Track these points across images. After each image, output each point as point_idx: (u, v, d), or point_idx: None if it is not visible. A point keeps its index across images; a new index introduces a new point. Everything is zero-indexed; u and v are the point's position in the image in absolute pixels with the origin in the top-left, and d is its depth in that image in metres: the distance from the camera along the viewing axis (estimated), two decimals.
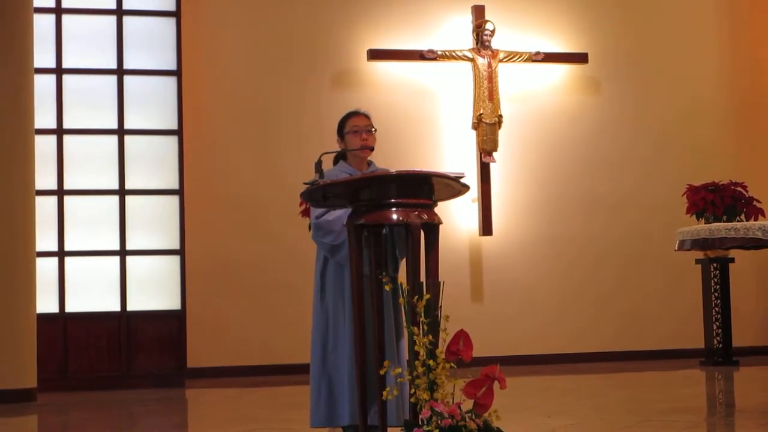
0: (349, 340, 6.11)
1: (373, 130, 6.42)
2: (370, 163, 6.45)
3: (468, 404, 5.40)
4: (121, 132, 11.60)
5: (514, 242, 12.94)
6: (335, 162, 6.51)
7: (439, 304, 5.53)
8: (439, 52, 12.67)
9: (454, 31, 12.91)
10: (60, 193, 11.41)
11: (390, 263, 6.13)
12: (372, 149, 6.37)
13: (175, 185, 11.66)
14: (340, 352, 6.21)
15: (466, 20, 12.94)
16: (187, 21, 12.03)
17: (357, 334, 5.82)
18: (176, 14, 11.83)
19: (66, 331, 11.31)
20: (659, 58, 13.52)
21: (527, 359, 12.63)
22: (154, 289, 11.56)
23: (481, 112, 12.64)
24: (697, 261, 12.29)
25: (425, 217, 5.73)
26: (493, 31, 12.78)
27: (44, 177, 11.18)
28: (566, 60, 13.14)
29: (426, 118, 12.83)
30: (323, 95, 12.53)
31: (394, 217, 5.69)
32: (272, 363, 12.12)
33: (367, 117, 6.45)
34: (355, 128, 6.39)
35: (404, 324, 5.68)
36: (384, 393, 5.53)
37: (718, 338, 12.09)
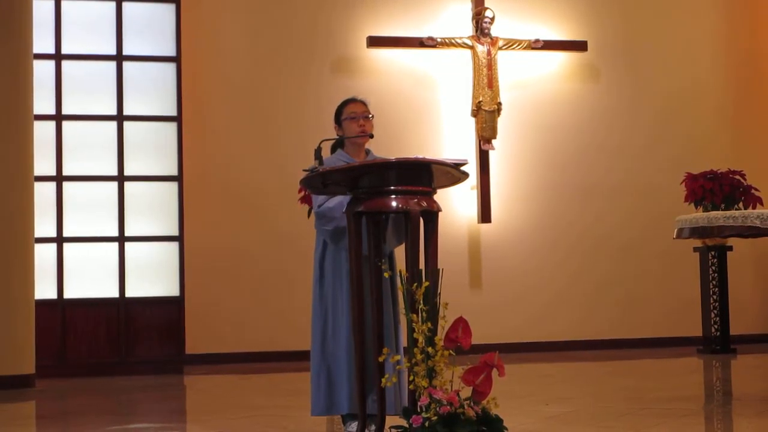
0: (348, 328, 6.12)
1: (371, 116, 6.42)
2: (368, 152, 6.46)
3: (467, 391, 5.41)
4: (120, 118, 11.61)
5: (512, 230, 12.95)
6: (333, 150, 6.51)
7: (438, 291, 5.54)
8: (439, 40, 12.66)
9: (453, 18, 12.90)
10: (59, 179, 11.42)
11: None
12: (371, 136, 6.37)
13: (174, 172, 11.66)
14: (339, 340, 6.22)
15: (466, 7, 12.92)
16: (186, 7, 12.02)
17: (356, 322, 5.82)
18: (176, 0, 11.82)
19: (64, 317, 11.32)
20: (658, 46, 13.52)
21: (526, 346, 12.64)
22: (153, 275, 11.58)
23: (481, 99, 12.64)
24: (695, 249, 12.30)
25: (425, 204, 5.73)
26: (492, 19, 12.78)
27: (43, 163, 11.19)
28: (565, 48, 13.13)
29: (425, 106, 12.83)
30: (323, 82, 12.52)
31: (394, 204, 5.69)
32: (270, 350, 12.12)
33: (364, 104, 6.46)
34: (353, 115, 6.39)
35: (401, 312, 5.69)
36: (383, 380, 5.53)
37: (716, 326, 12.10)
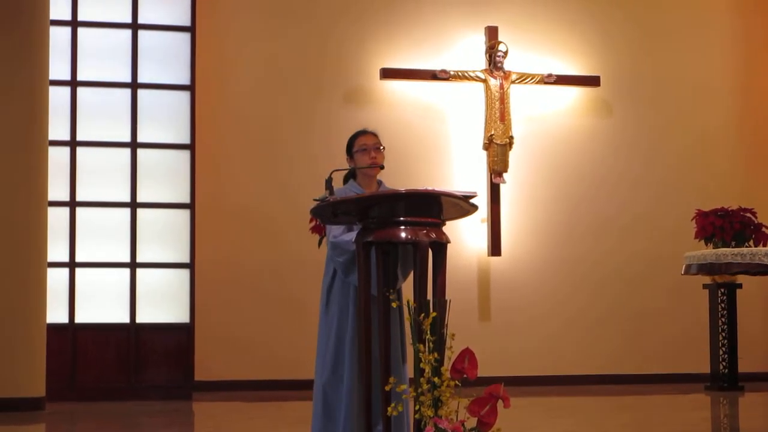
0: (351, 357, 6.15)
1: (382, 147, 6.47)
2: (380, 183, 6.50)
3: (472, 422, 5.44)
4: (134, 145, 11.68)
5: (522, 263, 12.98)
6: (345, 181, 6.56)
7: (446, 322, 5.58)
8: (452, 73, 12.73)
9: (466, 51, 12.97)
10: (72, 204, 11.49)
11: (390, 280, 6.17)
12: (382, 167, 6.42)
13: (187, 199, 11.73)
14: (343, 368, 6.24)
15: (479, 41, 13.00)
16: (201, 36, 12.11)
17: (363, 352, 5.86)
18: (191, 29, 11.91)
19: (75, 341, 11.37)
20: (671, 82, 13.57)
21: (533, 380, 12.65)
22: (164, 301, 11.62)
23: (493, 132, 12.69)
24: (705, 286, 12.31)
25: (433, 235, 5.79)
26: (506, 53, 12.84)
27: (57, 188, 11.26)
28: (578, 82, 13.18)
29: (437, 138, 12.88)
30: (335, 112, 12.59)
31: (403, 235, 5.74)
32: (280, 378, 12.15)
33: (375, 135, 6.51)
34: (364, 146, 6.44)
35: (408, 343, 5.74)
36: (389, 409, 5.57)
37: (724, 363, 12.10)
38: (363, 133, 6.54)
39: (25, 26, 10.42)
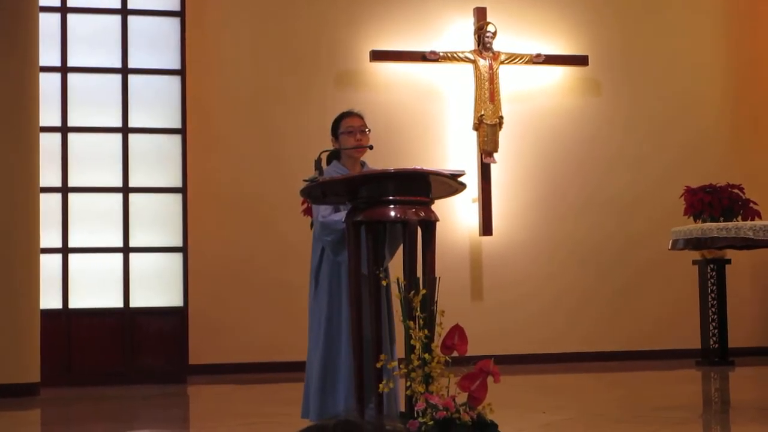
0: (348, 334, 6.20)
1: (367, 130, 6.51)
2: (363, 164, 6.54)
3: (463, 397, 5.52)
4: (125, 130, 11.71)
5: (513, 242, 13.04)
6: (328, 162, 6.59)
7: (435, 299, 5.65)
8: (441, 54, 12.77)
9: (456, 32, 13.01)
10: (64, 190, 11.53)
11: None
12: (371, 147, 6.45)
13: (179, 183, 11.76)
14: (339, 346, 6.30)
15: (468, 22, 13.04)
16: (191, 21, 12.14)
17: (355, 331, 5.92)
18: (180, 14, 11.93)
19: (69, 327, 11.41)
20: (659, 60, 13.63)
21: (526, 358, 12.73)
22: (157, 286, 11.66)
23: (482, 113, 12.74)
24: (695, 262, 12.38)
25: (422, 214, 5.85)
26: (494, 33, 12.88)
27: (49, 174, 11.29)
28: (567, 62, 13.23)
29: (427, 119, 12.93)
30: (326, 95, 12.63)
31: (392, 214, 5.81)
32: (273, 360, 12.22)
33: (360, 117, 6.54)
34: (350, 128, 6.47)
35: (396, 323, 5.82)
36: (381, 386, 5.64)
37: (715, 338, 12.18)
38: (349, 114, 6.57)
39: (14, 13, 10.44)
